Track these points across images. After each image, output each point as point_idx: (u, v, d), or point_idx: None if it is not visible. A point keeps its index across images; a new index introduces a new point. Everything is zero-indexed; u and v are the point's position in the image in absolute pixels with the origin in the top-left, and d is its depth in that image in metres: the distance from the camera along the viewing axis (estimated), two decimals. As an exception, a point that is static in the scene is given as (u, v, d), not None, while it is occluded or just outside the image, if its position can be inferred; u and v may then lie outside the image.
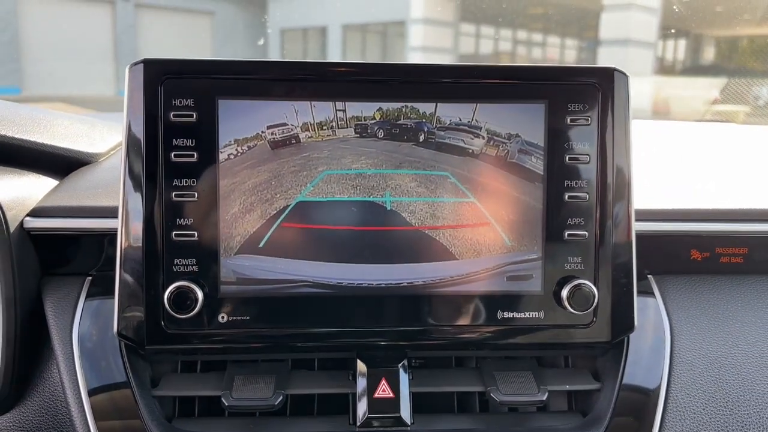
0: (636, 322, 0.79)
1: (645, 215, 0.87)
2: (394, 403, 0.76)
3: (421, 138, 0.77)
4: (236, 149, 0.75)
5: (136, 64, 0.74)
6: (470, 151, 0.77)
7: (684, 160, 1.18)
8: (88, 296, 0.84)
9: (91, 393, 0.77)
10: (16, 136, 0.88)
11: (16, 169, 0.89)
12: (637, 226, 0.80)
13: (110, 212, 0.81)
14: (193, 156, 0.74)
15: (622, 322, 0.79)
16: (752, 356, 0.84)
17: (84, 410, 0.76)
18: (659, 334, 0.85)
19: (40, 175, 0.91)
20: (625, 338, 0.82)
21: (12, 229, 0.79)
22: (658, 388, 0.80)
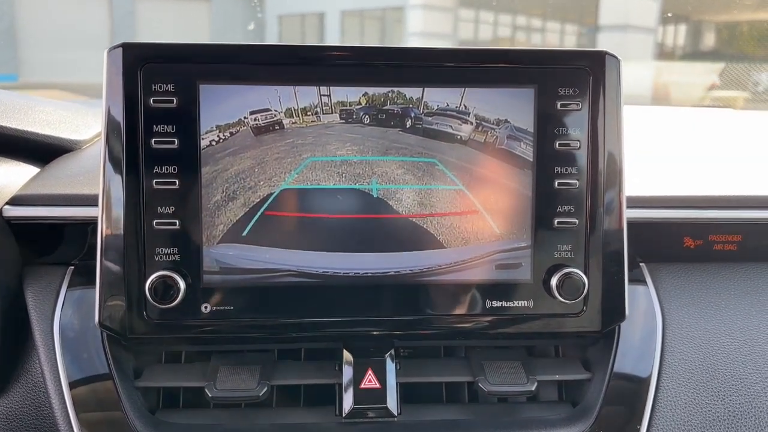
0: (627, 312, 0.78)
1: (637, 202, 0.85)
2: (380, 393, 0.75)
3: (408, 124, 0.75)
4: (218, 135, 0.73)
5: (114, 48, 0.72)
6: (458, 137, 0.75)
7: (681, 146, 1.16)
8: (70, 286, 0.82)
9: (73, 385, 0.76)
10: (-5, 122, 0.87)
11: None
12: (629, 214, 0.78)
13: (92, 200, 0.80)
14: (173, 142, 0.73)
15: (613, 311, 0.78)
16: (745, 345, 0.83)
17: (65, 402, 0.75)
18: (651, 323, 0.83)
19: (21, 163, 0.89)
20: (617, 327, 0.80)
21: None
22: (649, 377, 0.79)
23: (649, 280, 0.87)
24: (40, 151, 0.93)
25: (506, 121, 0.75)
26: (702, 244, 0.90)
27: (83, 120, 1.02)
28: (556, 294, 0.75)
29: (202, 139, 0.73)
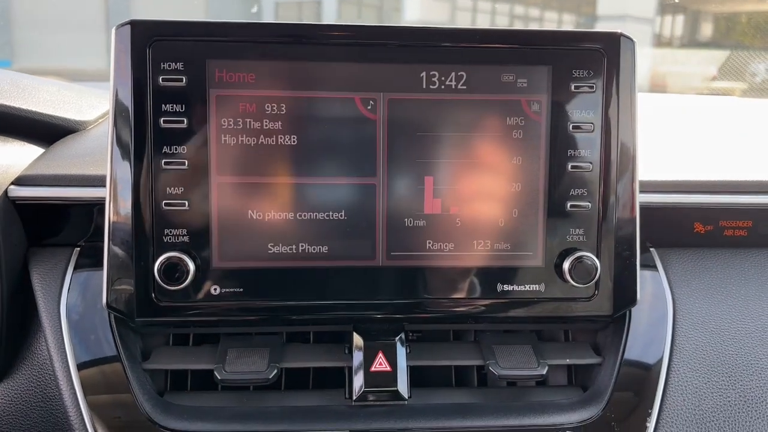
0: (638, 296, 0.78)
1: (648, 186, 0.85)
2: (391, 376, 0.74)
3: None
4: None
5: (122, 25, 0.71)
6: (469, 117, 0.74)
7: (684, 132, 1.15)
8: (76, 268, 0.81)
9: (81, 367, 0.75)
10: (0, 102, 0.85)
11: None
12: (639, 198, 0.78)
13: (99, 181, 0.79)
14: (183, 122, 0.72)
15: (625, 295, 0.77)
16: (756, 330, 0.83)
17: (73, 385, 0.74)
18: (661, 308, 0.83)
19: (25, 143, 0.88)
20: (627, 312, 0.80)
21: None
22: (660, 362, 0.79)
23: (659, 265, 0.87)
24: (45, 131, 0.91)
25: (519, 102, 0.74)
26: (712, 229, 0.90)
27: (88, 101, 1.01)
28: (568, 278, 0.75)
29: (212, 118, 0.72)
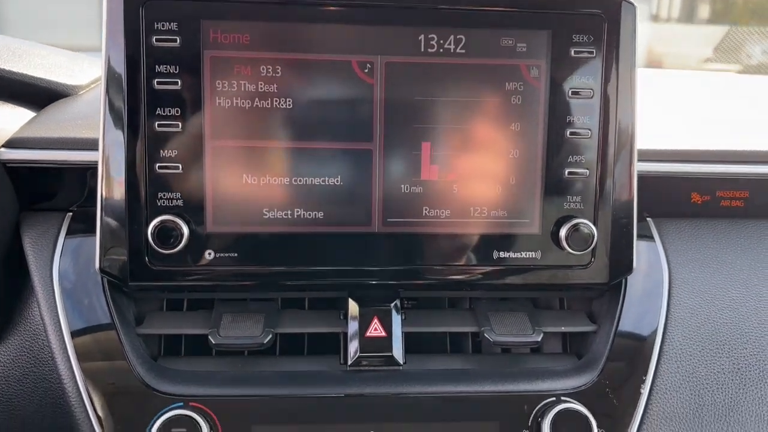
0: (635, 264, 0.78)
1: (645, 155, 0.84)
2: (386, 342, 0.74)
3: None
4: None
5: None
6: (467, 81, 0.73)
7: (682, 106, 1.15)
8: (68, 233, 0.80)
9: (74, 333, 0.75)
10: (-11, 64, 0.84)
11: None
12: (637, 167, 0.77)
13: (91, 144, 0.78)
14: (176, 83, 0.70)
15: (621, 263, 0.77)
16: (750, 300, 0.83)
17: (66, 350, 0.74)
18: (657, 277, 0.83)
19: (16, 107, 0.86)
20: (623, 280, 0.80)
21: None
22: (655, 330, 0.79)
23: (656, 234, 0.87)
24: (36, 95, 0.90)
25: (518, 66, 0.74)
26: (709, 199, 0.90)
27: (79, 65, 0.99)
28: (565, 245, 0.75)
29: (206, 79, 0.70)
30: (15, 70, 0.86)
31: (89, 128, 0.81)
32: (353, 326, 0.75)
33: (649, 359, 0.78)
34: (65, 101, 0.93)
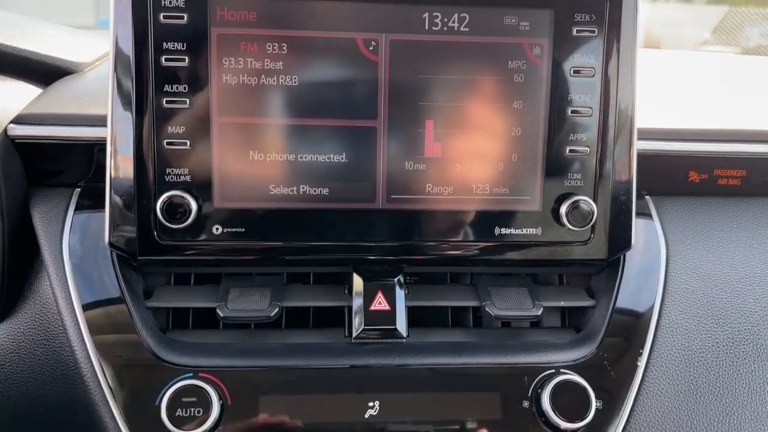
0: (633, 241, 0.79)
1: (644, 134, 0.85)
2: (390, 315, 0.76)
3: None
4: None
5: None
6: (471, 59, 0.74)
7: (681, 85, 1.16)
8: (77, 208, 0.81)
9: (85, 307, 0.76)
10: (-5, 40, 0.84)
11: None
12: (636, 145, 0.78)
13: (99, 120, 0.78)
14: (184, 60, 0.71)
15: (620, 239, 0.79)
16: (745, 275, 0.85)
17: (78, 323, 0.75)
18: (655, 254, 0.84)
19: (21, 83, 0.87)
20: (622, 257, 0.82)
21: None
22: (652, 305, 0.81)
23: (654, 212, 0.88)
24: (43, 72, 0.90)
25: (521, 45, 0.74)
26: (707, 178, 0.91)
27: (84, 42, 1.00)
28: (565, 221, 0.76)
29: (214, 55, 0.71)
30: (21, 47, 0.87)
31: (96, 105, 0.82)
32: (358, 300, 0.76)
33: (646, 333, 0.80)
34: (71, 78, 0.93)
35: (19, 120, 0.80)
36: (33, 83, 0.88)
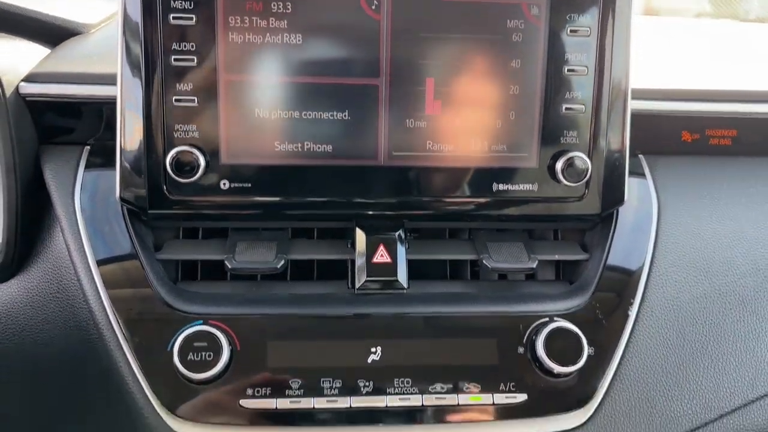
0: (626, 196, 0.82)
1: (638, 94, 0.87)
2: (391, 267, 0.79)
3: None
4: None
5: None
6: (471, 19, 0.76)
7: (679, 51, 1.18)
8: (87, 166, 0.84)
9: (99, 260, 0.78)
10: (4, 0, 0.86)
11: (4, 34, 0.87)
12: (631, 104, 0.81)
13: (108, 79, 0.80)
14: (191, 19, 0.73)
15: (613, 195, 0.82)
16: (734, 231, 0.87)
17: (92, 276, 0.78)
18: (647, 211, 0.87)
19: (29, 43, 0.89)
20: (614, 212, 0.84)
21: (8, 94, 0.78)
22: (643, 258, 0.84)
23: (647, 170, 0.91)
24: (50, 32, 0.92)
25: (518, 5, 0.76)
26: (699, 138, 0.94)
27: (91, 4, 1.01)
28: (560, 177, 0.79)
29: (221, 14, 0.73)
30: (29, 7, 0.88)
31: (105, 64, 0.84)
32: (360, 253, 0.79)
33: (636, 285, 0.83)
34: (78, 39, 0.95)
35: (30, 78, 0.82)
36: (41, 44, 0.90)
